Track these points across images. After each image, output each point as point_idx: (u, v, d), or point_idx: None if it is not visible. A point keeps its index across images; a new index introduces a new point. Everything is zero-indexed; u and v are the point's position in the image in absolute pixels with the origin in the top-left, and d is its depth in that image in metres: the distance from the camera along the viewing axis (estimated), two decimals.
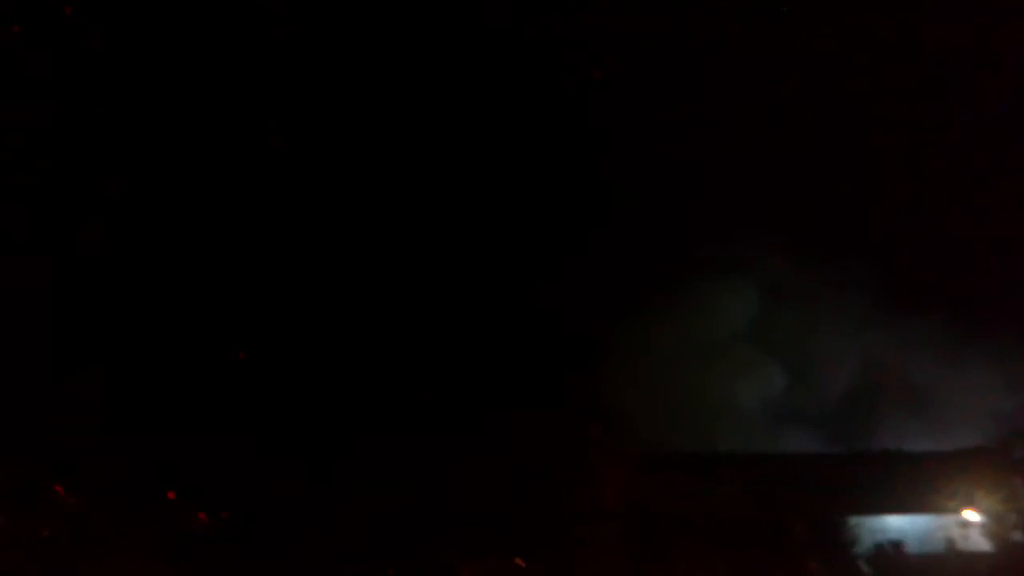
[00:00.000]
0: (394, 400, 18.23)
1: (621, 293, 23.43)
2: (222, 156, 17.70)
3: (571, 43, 21.29)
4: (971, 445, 21.66)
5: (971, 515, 19.88)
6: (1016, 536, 19.48)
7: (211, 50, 17.60)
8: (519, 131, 21.65)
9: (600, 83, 21.63)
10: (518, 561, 17.27)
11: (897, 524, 20.77)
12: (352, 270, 18.77)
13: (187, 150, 17.41)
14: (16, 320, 14.91)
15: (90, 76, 16.35)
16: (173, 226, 17.12)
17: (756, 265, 25.26)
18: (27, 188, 15.57)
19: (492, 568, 17.16)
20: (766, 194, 24.40)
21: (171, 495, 15.32)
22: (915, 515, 20.99)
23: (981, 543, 19.92)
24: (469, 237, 20.90)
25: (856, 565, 20.10)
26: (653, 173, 23.69)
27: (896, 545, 20.25)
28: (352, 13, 19.29)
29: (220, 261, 17.29)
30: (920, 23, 22.34)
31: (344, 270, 18.65)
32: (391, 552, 16.16)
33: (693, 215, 24.48)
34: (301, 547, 15.45)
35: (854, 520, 20.74)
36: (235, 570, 14.74)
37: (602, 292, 23.00)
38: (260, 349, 17.21)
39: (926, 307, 24.09)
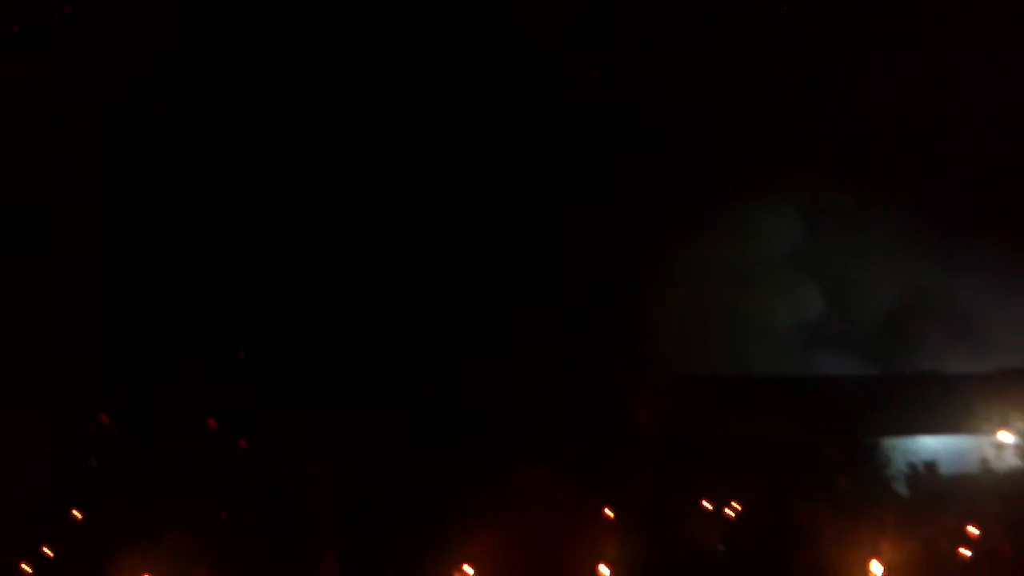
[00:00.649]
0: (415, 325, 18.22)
1: (658, 213, 23.13)
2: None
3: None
4: (1007, 367, 21.55)
5: (1006, 436, 19.80)
6: None
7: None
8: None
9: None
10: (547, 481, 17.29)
11: (932, 445, 20.77)
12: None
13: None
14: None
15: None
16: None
17: (798, 185, 24.77)
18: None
19: (517, 487, 17.18)
20: (810, 112, 23.86)
21: (212, 423, 15.46)
22: (950, 436, 20.98)
23: (1016, 464, 19.88)
24: (494, 154, 20.61)
25: (889, 485, 20.19)
26: (690, 90, 23.15)
27: (930, 466, 20.27)
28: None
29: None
30: None
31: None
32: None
33: (732, 134, 23.98)
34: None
35: (888, 441, 20.78)
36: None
37: (638, 212, 22.73)
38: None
39: (972, 229, 23.62)
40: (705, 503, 18.35)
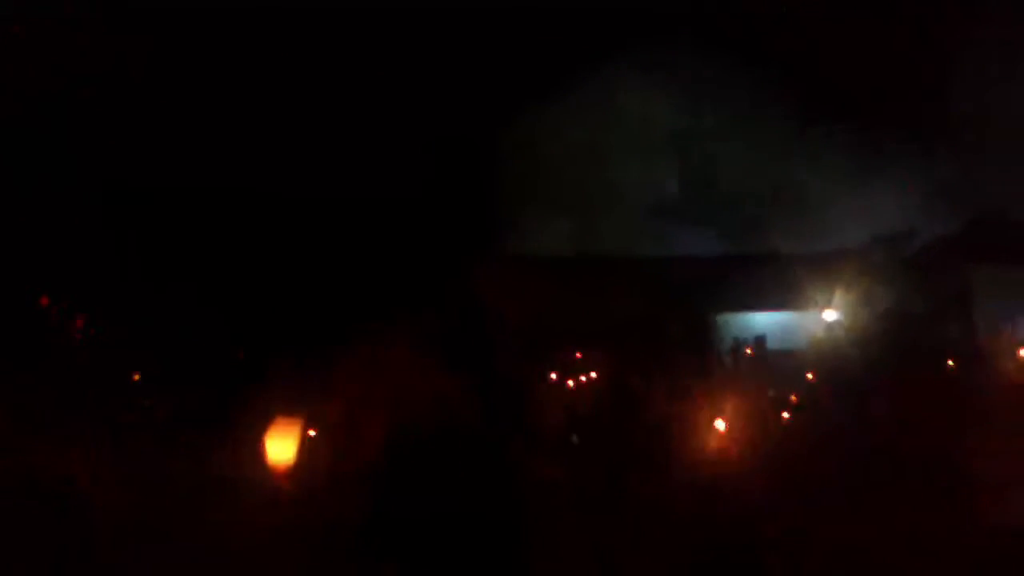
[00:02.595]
0: None
1: (524, 86, 22.86)
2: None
3: None
4: (834, 248, 22.93)
5: (830, 314, 21.23)
6: (870, 331, 20.96)
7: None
8: None
9: None
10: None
11: (764, 321, 22.15)
12: None
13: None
14: None
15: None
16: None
17: (671, 64, 24.90)
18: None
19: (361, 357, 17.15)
20: None
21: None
22: (780, 312, 22.38)
23: (836, 339, 21.38)
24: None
25: (721, 357, 21.50)
26: None
27: (759, 340, 21.68)
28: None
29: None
30: None
31: None
32: None
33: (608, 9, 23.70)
34: None
35: (724, 317, 22.04)
36: None
37: (502, 85, 22.42)
38: None
39: (837, 121, 24.41)
40: (552, 375, 19.07)
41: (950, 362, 16.75)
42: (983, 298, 20.26)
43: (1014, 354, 16.16)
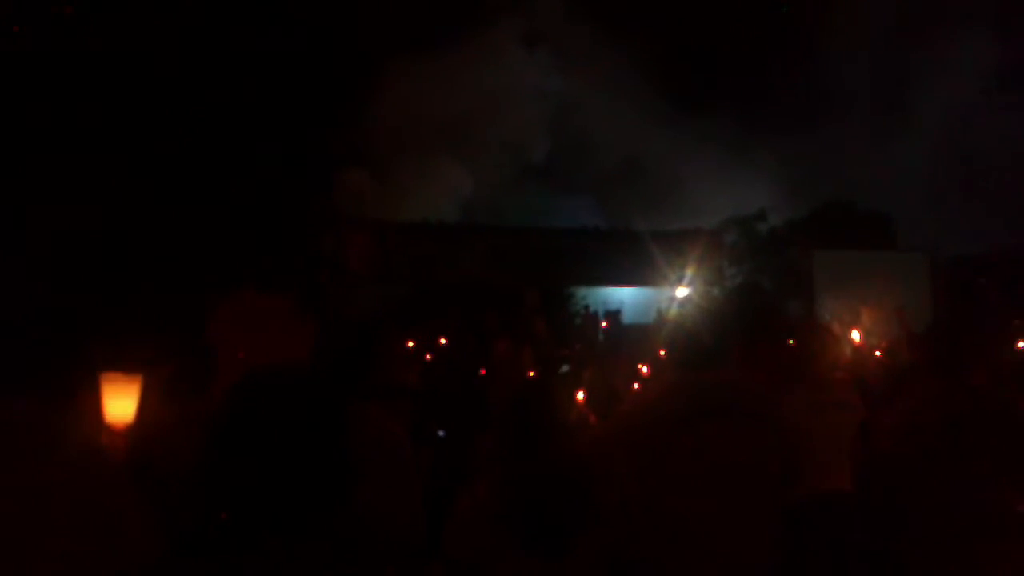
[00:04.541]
0: None
1: (395, 46, 22.55)
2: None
3: None
4: (690, 226, 23.65)
5: (682, 291, 21.84)
6: (718, 307, 21.71)
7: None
8: None
9: None
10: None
11: (620, 296, 22.64)
12: None
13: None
14: None
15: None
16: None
17: (544, 37, 24.97)
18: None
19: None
20: None
21: None
22: (635, 288, 22.92)
23: (684, 313, 22.02)
24: None
25: (578, 329, 21.84)
26: None
27: (614, 313, 22.13)
28: None
29: None
30: None
31: None
32: None
33: None
34: None
35: (582, 290, 22.41)
36: None
37: (370, 43, 22.09)
38: None
39: (700, 106, 24.97)
40: (409, 343, 18.94)
41: (790, 339, 17.41)
42: (825, 279, 21.20)
43: (847, 333, 16.98)
